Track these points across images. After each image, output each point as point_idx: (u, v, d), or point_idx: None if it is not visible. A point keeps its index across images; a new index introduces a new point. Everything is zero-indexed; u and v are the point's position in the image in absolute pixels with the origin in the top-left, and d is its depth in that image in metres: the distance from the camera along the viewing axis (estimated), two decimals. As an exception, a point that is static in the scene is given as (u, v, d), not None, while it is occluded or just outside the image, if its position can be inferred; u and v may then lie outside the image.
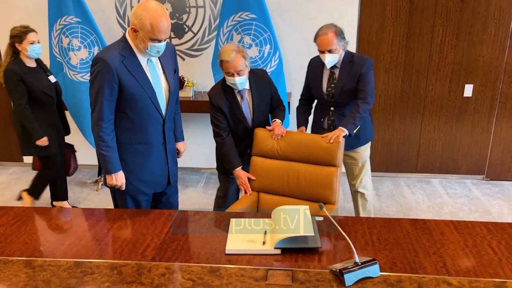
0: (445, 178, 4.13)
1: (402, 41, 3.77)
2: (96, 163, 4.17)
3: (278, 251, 1.75)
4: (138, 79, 2.08)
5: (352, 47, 3.84)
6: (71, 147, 3.66)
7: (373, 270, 1.59)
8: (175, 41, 4.06)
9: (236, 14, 3.41)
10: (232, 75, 2.43)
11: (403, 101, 3.94)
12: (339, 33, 2.62)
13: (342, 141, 2.46)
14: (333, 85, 2.75)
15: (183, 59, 4.10)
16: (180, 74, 3.95)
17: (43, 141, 3.21)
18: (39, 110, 3.20)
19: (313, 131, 2.92)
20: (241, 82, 2.46)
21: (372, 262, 1.60)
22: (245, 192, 2.54)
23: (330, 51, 2.60)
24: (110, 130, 2.10)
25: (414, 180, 4.13)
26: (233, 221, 1.98)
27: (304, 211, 1.90)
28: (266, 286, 1.55)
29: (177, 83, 2.32)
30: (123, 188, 2.22)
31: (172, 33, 4.04)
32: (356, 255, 1.61)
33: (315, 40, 2.66)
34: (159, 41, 2.01)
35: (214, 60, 3.62)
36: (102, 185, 4.10)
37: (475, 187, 3.96)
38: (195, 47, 4.05)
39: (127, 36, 2.08)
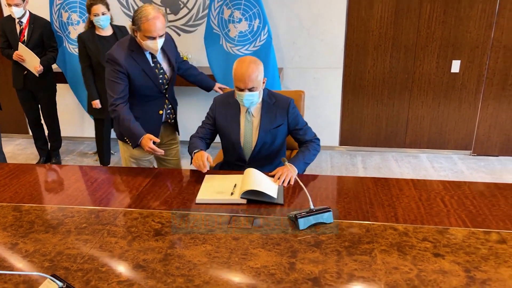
0: (433, 153, 4.23)
1: (391, 17, 3.84)
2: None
3: (244, 201, 1.90)
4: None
5: (342, 24, 3.92)
6: None
7: (327, 217, 1.74)
8: (170, 17, 4.18)
9: (227, -11, 3.52)
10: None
11: (392, 77, 4.03)
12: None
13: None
14: None
15: (179, 34, 4.23)
16: (175, 49, 4.10)
17: (96, 104, 3.61)
18: (97, 75, 3.54)
19: None
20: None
21: (326, 210, 1.74)
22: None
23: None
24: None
25: (403, 155, 4.24)
26: (207, 176, 2.13)
27: (273, 180, 2.05)
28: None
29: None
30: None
31: (167, 9, 4.17)
32: (311, 203, 1.76)
33: None
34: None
35: (206, 34, 3.74)
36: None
37: (461, 162, 4.06)
38: (190, 22, 4.17)
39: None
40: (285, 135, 2.38)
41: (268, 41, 3.62)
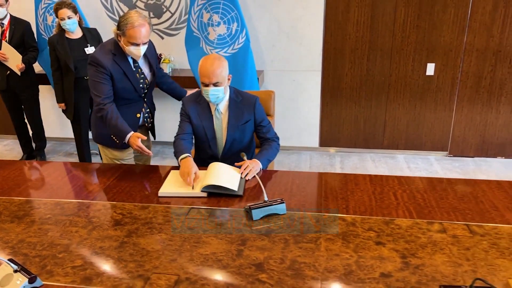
0: (410, 154, 4.31)
1: (367, 21, 3.94)
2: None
3: (205, 194, 1.98)
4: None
5: (320, 28, 4.02)
6: None
7: (280, 208, 1.82)
8: (154, 21, 4.28)
9: (205, -7, 3.62)
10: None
11: (369, 79, 4.12)
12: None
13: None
14: None
15: (162, 37, 4.32)
16: (159, 52, 4.18)
17: (61, 106, 3.79)
18: (65, 77, 3.66)
19: None
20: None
21: (279, 202, 1.83)
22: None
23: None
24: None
25: (380, 155, 4.32)
26: (172, 171, 2.21)
27: (236, 171, 2.13)
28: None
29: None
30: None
31: (151, 13, 4.26)
32: (265, 195, 1.85)
33: None
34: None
35: (187, 37, 3.84)
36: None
37: (437, 163, 4.14)
38: (173, 26, 4.27)
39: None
40: (253, 131, 2.47)
41: (246, 44, 3.71)
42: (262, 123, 2.43)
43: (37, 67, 4.21)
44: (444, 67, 3.97)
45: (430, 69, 3.99)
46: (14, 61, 3.80)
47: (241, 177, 2.10)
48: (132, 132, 2.32)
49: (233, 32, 3.69)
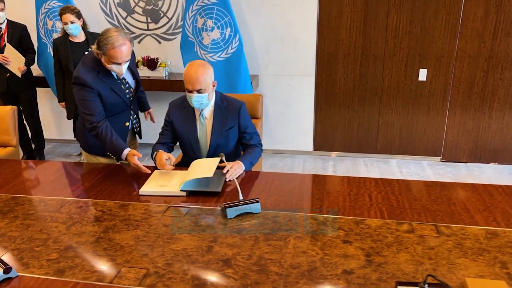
0: (404, 159, 4.34)
1: (359, 27, 3.99)
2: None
3: (184, 193, 2.04)
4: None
5: (313, 33, 4.08)
6: None
7: (255, 207, 1.87)
8: (151, 26, 4.37)
9: (200, -1, 3.70)
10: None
11: (362, 84, 4.17)
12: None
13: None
14: None
15: (159, 42, 4.41)
16: (156, 56, 4.28)
17: (62, 105, 4.04)
18: (66, 78, 3.82)
19: None
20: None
21: (254, 201, 1.88)
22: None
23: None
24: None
25: (373, 160, 4.36)
26: (156, 171, 2.27)
27: (214, 161, 2.18)
28: (161, 217, 1.85)
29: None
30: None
31: (148, 18, 4.36)
32: (240, 194, 1.90)
33: None
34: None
35: (182, 42, 3.92)
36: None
37: (430, 168, 4.16)
38: (170, 31, 4.35)
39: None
40: (237, 136, 2.49)
41: (239, 48, 3.78)
42: (247, 130, 2.43)
43: (36, 70, 4.31)
44: (437, 72, 4.00)
45: (423, 74, 4.03)
46: (16, 63, 3.91)
47: (225, 180, 2.14)
48: (128, 149, 2.33)
49: (227, 37, 3.76)
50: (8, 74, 3.96)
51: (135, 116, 2.67)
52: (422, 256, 1.55)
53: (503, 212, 1.85)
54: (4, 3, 3.83)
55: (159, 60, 4.25)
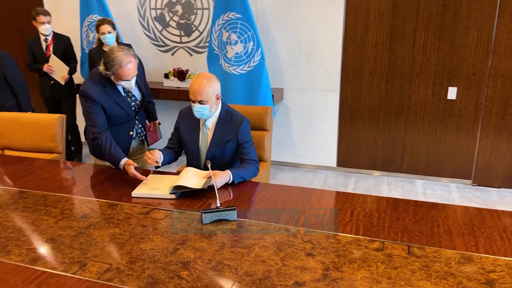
0: (431, 180, 4.16)
1: (386, 43, 3.93)
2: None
3: (173, 196, 2.12)
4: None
5: (338, 49, 4.07)
6: None
7: (231, 215, 1.91)
8: (184, 39, 4.58)
9: (225, 14, 3.83)
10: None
11: (388, 101, 4.08)
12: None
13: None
14: None
15: (191, 55, 4.60)
16: (186, 68, 4.47)
17: None
18: None
19: None
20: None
21: (231, 208, 1.92)
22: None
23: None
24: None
25: (398, 179, 4.22)
26: (150, 175, 2.38)
27: (205, 174, 2.25)
28: (142, 218, 1.94)
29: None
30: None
31: (182, 32, 4.57)
32: (218, 201, 1.95)
33: None
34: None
35: (208, 55, 4.07)
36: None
37: (457, 191, 3.96)
38: (201, 44, 4.53)
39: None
40: (235, 149, 2.53)
41: (261, 62, 3.86)
42: (243, 145, 2.47)
43: (78, 78, 4.65)
44: (467, 91, 3.83)
45: (452, 93, 3.87)
46: (60, 72, 4.25)
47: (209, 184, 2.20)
48: (125, 159, 2.44)
49: (249, 50, 3.85)
50: (52, 82, 4.31)
51: (140, 125, 2.80)
52: (382, 275, 1.51)
53: (488, 237, 1.75)
54: (51, 17, 4.20)
55: (189, 72, 4.43)
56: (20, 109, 3.76)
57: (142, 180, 2.30)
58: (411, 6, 3.78)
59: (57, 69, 4.24)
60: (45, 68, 4.20)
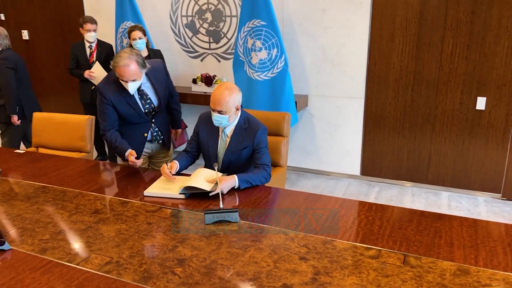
0: (458, 192, 4.03)
1: (412, 51, 3.86)
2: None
3: (182, 196, 2.21)
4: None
5: (364, 56, 4.05)
6: None
7: (233, 216, 1.96)
8: (213, 45, 4.70)
9: (250, 21, 3.91)
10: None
11: (413, 110, 4.00)
12: None
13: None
14: None
15: (219, 61, 4.72)
16: (214, 74, 4.58)
17: None
18: None
19: None
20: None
21: (233, 210, 1.97)
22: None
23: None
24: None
25: (423, 190, 4.12)
26: (162, 176, 2.48)
27: (214, 173, 2.32)
28: (149, 216, 2.03)
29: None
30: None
31: (211, 38, 4.69)
32: (221, 203, 2.01)
33: None
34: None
35: (234, 61, 4.16)
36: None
37: (485, 204, 3.82)
38: (229, 50, 4.63)
39: None
40: (250, 154, 2.56)
41: (284, 68, 3.90)
42: (257, 150, 2.50)
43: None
44: (497, 102, 3.70)
45: (481, 103, 3.75)
46: (101, 78, 4.44)
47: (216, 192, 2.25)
48: (129, 150, 2.63)
49: (273, 57, 3.91)
50: (93, 87, 4.51)
51: (157, 129, 2.90)
52: (371, 283, 1.51)
53: (491, 251, 1.70)
54: (97, 25, 4.42)
55: (216, 78, 4.54)
56: (4, 110, 4.02)
57: (155, 178, 2.41)
58: (439, 14, 3.70)
59: (98, 75, 4.43)
60: (86, 74, 4.40)
